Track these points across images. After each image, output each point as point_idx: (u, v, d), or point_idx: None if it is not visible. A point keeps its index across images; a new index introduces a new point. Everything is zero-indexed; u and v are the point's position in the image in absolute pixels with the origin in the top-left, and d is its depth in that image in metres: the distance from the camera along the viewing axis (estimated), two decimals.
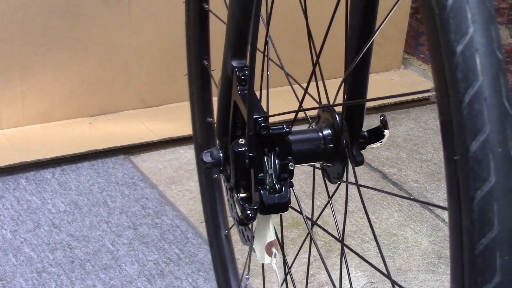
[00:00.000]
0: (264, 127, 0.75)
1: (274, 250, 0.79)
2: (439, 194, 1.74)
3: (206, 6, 1.08)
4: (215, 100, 1.17)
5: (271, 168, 0.76)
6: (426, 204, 0.91)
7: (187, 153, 1.85)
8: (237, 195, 0.79)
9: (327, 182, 0.84)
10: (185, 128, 1.74)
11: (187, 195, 1.69)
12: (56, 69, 1.81)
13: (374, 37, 0.72)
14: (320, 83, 0.83)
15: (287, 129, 0.76)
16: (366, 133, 0.81)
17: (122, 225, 1.57)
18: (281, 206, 0.76)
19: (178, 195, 1.69)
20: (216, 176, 1.20)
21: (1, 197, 1.63)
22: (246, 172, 0.78)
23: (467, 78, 0.46)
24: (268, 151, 0.76)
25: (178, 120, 1.88)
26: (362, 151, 0.81)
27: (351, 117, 0.80)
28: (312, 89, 0.83)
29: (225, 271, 1.21)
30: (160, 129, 1.87)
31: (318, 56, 0.80)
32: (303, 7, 0.85)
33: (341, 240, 0.85)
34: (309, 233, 0.86)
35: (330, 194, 0.86)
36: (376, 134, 0.81)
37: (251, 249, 0.83)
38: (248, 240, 0.86)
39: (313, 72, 0.82)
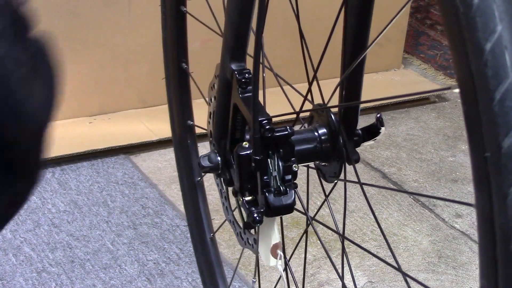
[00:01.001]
0: (269, 129, 0.75)
1: (279, 252, 0.79)
2: (439, 194, 1.74)
3: (184, 9, 1.07)
4: (194, 104, 1.18)
5: (275, 170, 0.76)
6: (446, 200, 0.91)
7: None
8: (243, 199, 0.79)
9: (327, 181, 0.84)
10: None
11: None
12: None
13: (375, 41, 0.72)
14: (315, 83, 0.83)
15: (291, 131, 0.76)
16: (360, 131, 0.81)
17: (122, 225, 1.57)
18: (287, 208, 0.77)
19: (178, 195, 1.69)
20: (199, 179, 1.19)
21: None
22: (250, 175, 0.78)
23: (498, 75, 0.46)
24: (272, 153, 0.76)
25: None
26: (357, 149, 0.81)
27: (346, 117, 0.81)
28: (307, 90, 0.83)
29: (213, 275, 1.19)
30: (160, 129, 1.87)
31: (319, 61, 0.80)
32: (295, 11, 0.85)
33: (342, 233, 0.85)
34: (307, 228, 0.87)
35: (328, 193, 0.86)
36: (370, 132, 0.81)
37: (257, 253, 0.83)
38: (248, 243, 0.86)
39: (314, 74, 0.82)
